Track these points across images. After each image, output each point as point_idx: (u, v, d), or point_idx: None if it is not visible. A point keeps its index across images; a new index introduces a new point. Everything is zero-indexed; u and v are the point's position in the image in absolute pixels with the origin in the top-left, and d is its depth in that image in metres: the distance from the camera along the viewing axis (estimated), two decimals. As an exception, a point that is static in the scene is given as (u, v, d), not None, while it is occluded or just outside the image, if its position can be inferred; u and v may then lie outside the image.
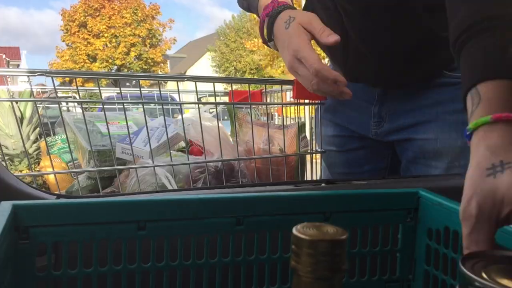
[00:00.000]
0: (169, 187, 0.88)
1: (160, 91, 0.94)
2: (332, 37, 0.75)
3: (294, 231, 0.27)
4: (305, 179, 1.08)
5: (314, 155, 1.05)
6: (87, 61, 22.01)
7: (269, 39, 0.85)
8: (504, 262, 0.36)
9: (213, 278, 0.56)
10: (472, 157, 0.49)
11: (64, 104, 1.36)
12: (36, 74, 0.81)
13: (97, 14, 22.20)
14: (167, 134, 0.92)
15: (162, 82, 0.95)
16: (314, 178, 1.11)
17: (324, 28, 0.76)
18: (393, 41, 0.89)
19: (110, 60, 22.08)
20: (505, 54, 0.52)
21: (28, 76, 0.81)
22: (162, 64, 23.78)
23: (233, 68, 21.80)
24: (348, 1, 0.87)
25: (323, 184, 0.78)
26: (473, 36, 0.56)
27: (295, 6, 0.88)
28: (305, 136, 1.06)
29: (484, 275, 0.33)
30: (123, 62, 22.25)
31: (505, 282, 0.32)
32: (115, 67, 22.23)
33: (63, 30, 22.57)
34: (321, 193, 0.60)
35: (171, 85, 1.14)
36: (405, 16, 0.85)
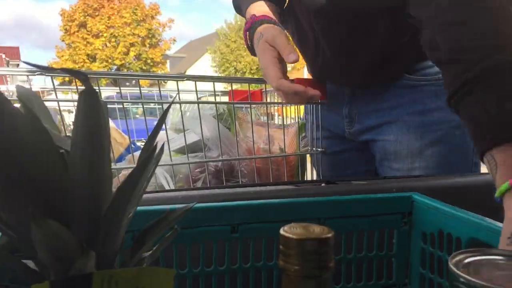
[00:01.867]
0: (167, 188, 0.88)
1: (160, 90, 0.94)
2: (292, 56, 0.81)
3: (282, 231, 0.28)
4: (305, 179, 1.08)
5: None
6: (86, 61, 22.01)
7: (253, 53, 0.91)
8: (496, 260, 0.36)
9: (210, 286, 0.56)
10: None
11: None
12: (35, 74, 0.81)
13: (97, 14, 22.19)
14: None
15: (162, 81, 0.95)
16: (314, 178, 1.10)
17: (285, 45, 0.82)
18: (355, 46, 0.91)
19: (109, 60, 22.08)
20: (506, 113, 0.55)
21: (27, 75, 0.81)
22: (162, 65, 23.77)
23: (233, 68, 21.77)
24: (314, 15, 0.89)
25: (323, 184, 0.78)
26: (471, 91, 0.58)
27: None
28: (305, 136, 1.06)
29: (472, 272, 0.33)
30: (123, 62, 22.25)
31: (492, 279, 0.32)
32: (115, 67, 22.23)
33: (62, 30, 22.57)
34: (315, 199, 0.60)
35: (171, 85, 1.14)
36: (364, 24, 0.87)
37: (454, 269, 0.33)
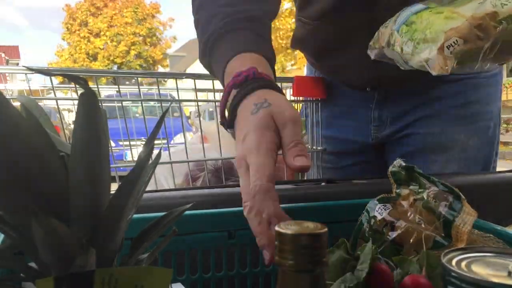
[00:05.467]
0: (167, 187, 0.88)
1: (158, 88, 0.94)
2: (299, 161, 0.50)
3: (277, 227, 0.28)
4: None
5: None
6: (86, 60, 22.02)
7: (229, 123, 0.60)
8: (487, 256, 0.37)
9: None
10: None
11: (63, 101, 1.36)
12: (33, 72, 0.81)
13: (100, 13, 22.20)
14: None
15: (162, 80, 0.95)
16: (313, 176, 1.10)
17: (295, 141, 0.52)
18: None
19: (110, 58, 22.10)
20: None
21: (26, 74, 0.81)
22: (163, 63, 23.79)
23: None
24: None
25: (323, 184, 0.78)
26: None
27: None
28: (305, 134, 1.07)
29: (463, 267, 0.34)
30: (123, 60, 22.26)
31: (483, 273, 0.33)
32: (115, 66, 22.23)
33: (64, 28, 22.58)
34: (311, 204, 0.61)
35: (171, 84, 1.14)
36: None
37: (446, 264, 0.34)
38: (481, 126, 0.94)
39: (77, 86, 0.93)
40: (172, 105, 1.45)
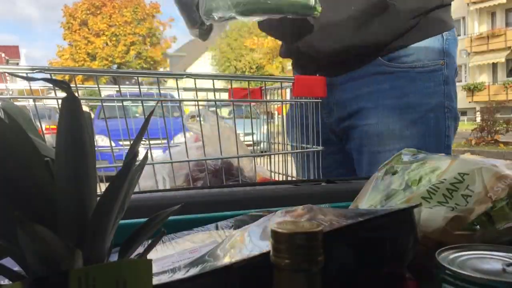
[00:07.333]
0: (161, 187, 0.88)
1: (159, 88, 0.94)
2: None
3: (272, 227, 0.28)
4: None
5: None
6: (87, 59, 22.02)
7: None
8: (481, 254, 0.37)
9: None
10: None
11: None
12: (34, 71, 0.81)
13: (98, 12, 22.19)
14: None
15: (162, 80, 0.95)
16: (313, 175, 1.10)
17: None
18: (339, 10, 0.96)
19: (110, 59, 22.09)
20: None
21: (26, 73, 0.81)
22: (163, 63, 23.77)
23: (233, 67, 21.71)
24: None
25: (323, 184, 0.78)
26: None
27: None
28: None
29: (458, 265, 0.35)
30: (123, 60, 22.25)
31: (478, 271, 0.34)
32: (115, 66, 22.21)
33: (64, 28, 22.58)
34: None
35: (171, 84, 1.14)
36: None
37: (441, 262, 0.35)
38: (418, 117, 0.98)
39: (78, 85, 0.93)
40: (172, 105, 1.45)
